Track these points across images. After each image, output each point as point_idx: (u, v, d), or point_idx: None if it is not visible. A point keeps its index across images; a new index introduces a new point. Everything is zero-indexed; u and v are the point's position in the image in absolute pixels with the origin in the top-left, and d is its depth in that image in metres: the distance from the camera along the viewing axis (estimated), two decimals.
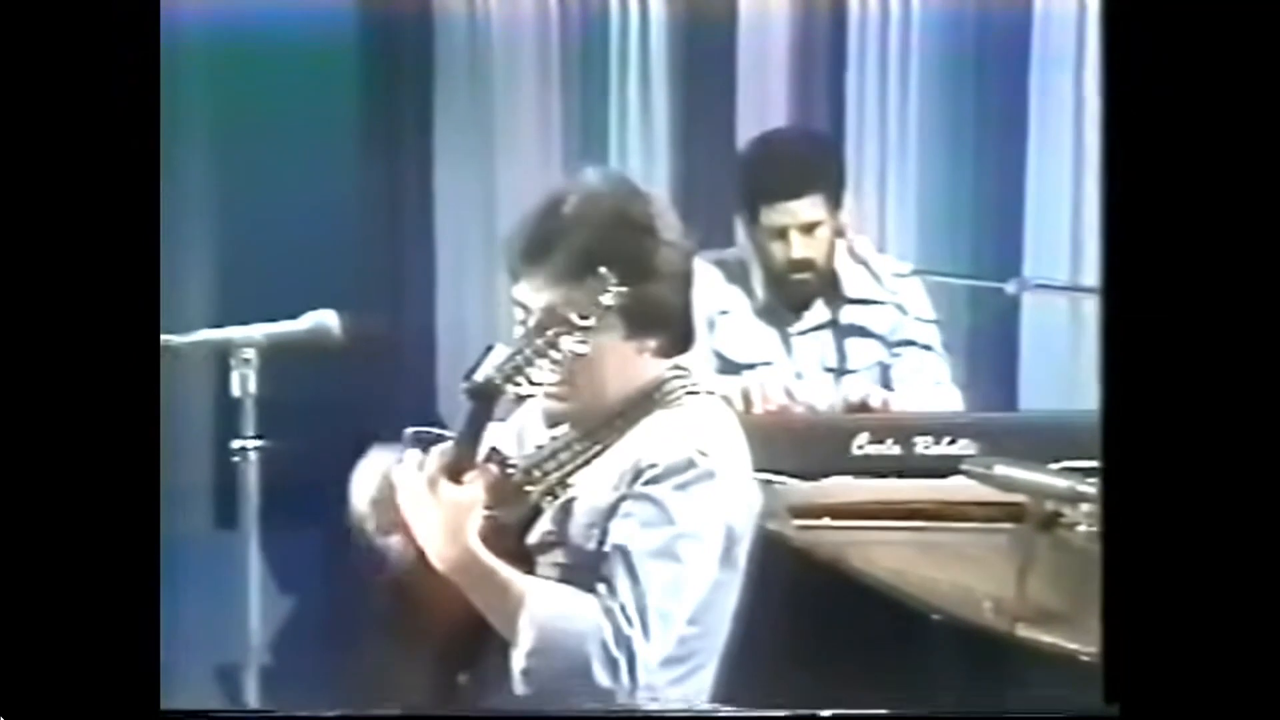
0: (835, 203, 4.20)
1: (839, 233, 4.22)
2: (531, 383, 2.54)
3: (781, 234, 4.17)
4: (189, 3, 4.73)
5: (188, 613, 4.18)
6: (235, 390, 3.64)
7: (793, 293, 4.23)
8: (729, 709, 2.80)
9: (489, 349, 2.58)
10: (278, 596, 4.22)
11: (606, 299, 2.55)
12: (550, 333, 2.52)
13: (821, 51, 5.22)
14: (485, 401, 2.56)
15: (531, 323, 2.64)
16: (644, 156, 5.23)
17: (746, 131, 5.01)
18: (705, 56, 5.24)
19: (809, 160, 4.27)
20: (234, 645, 3.75)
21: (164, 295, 4.72)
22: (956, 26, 5.13)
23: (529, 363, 2.53)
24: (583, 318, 2.53)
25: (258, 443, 3.64)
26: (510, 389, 2.55)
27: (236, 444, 3.65)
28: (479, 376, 2.55)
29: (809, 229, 4.16)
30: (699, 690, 2.73)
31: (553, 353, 2.53)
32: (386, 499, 2.71)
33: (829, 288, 4.25)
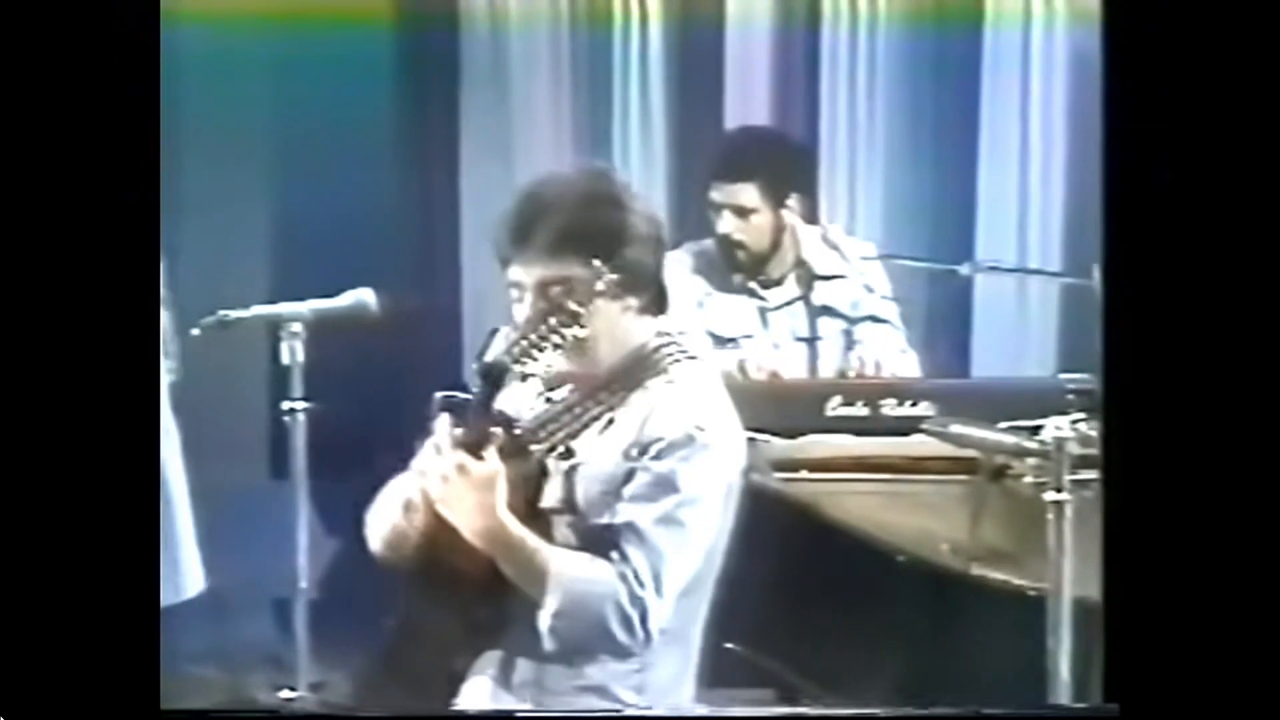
0: (776, 197, 4.15)
1: (780, 224, 4.16)
2: (535, 363, 2.51)
3: (718, 210, 4.15)
4: (248, 16, 4.74)
5: (244, 553, 4.20)
6: (284, 359, 3.67)
7: (729, 262, 4.19)
8: (731, 709, 2.78)
9: (493, 332, 2.56)
10: (323, 538, 4.22)
11: (599, 285, 2.54)
12: (554, 320, 2.50)
13: (799, 60, 5.21)
14: (494, 379, 2.53)
15: (528, 302, 2.61)
16: (642, 149, 5.24)
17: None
18: (696, 63, 5.25)
19: (752, 152, 4.23)
20: (284, 581, 3.77)
21: (223, 275, 4.78)
22: (917, 37, 5.13)
23: (535, 346, 2.50)
24: (580, 304, 2.52)
25: (304, 405, 3.67)
26: (517, 369, 2.52)
27: (286, 405, 3.68)
28: (488, 358, 2.52)
29: (740, 212, 4.13)
30: (700, 616, 2.71)
31: (555, 337, 2.51)
32: (400, 534, 2.67)
33: (799, 268, 4.22)
